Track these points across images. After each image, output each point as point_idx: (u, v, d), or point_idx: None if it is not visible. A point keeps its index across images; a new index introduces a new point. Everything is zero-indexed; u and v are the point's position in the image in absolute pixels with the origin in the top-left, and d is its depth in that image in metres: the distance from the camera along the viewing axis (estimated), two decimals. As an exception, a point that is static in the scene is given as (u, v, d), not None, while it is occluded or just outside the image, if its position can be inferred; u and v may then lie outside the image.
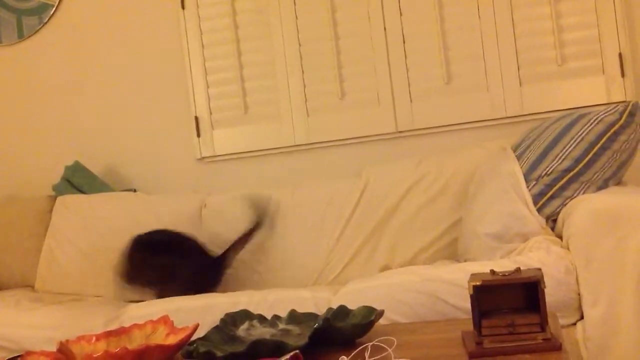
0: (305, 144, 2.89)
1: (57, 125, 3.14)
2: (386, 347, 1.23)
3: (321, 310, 1.87)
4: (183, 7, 2.96)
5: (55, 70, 3.14)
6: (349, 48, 2.84)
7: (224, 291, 2.28)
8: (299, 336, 1.49)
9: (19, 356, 1.44)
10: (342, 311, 1.57)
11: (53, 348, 1.95)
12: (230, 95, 2.94)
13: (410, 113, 2.79)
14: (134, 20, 3.06)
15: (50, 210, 2.83)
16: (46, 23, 3.14)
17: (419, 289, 1.84)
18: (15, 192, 3.15)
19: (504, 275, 1.27)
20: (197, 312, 1.99)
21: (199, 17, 2.95)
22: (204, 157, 2.98)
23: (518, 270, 1.29)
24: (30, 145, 3.16)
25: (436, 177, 2.48)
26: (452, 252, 2.36)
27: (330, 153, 2.88)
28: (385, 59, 2.80)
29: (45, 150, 3.14)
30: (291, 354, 1.17)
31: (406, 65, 2.79)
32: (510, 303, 1.31)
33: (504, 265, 1.81)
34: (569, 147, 2.00)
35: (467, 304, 1.73)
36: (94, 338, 1.56)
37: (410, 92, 2.79)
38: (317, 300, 1.95)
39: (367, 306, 1.55)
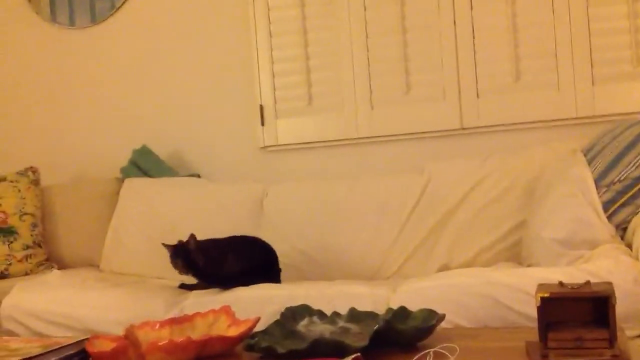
0: (368, 137, 2.88)
1: (126, 109, 3.21)
2: (448, 354, 1.21)
3: (379, 308, 1.87)
4: (253, -4, 2.98)
5: (126, 55, 3.21)
6: (416, 41, 2.80)
7: (284, 282, 2.30)
8: (358, 335, 1.49)
9: (86, 339, 1.48)
10: (402, 312, 1.56)
11: (115, 329, 2.01)
12: (295, 86, 2.95)
13: (477, 109, 2.75)
14: (204, 8, 3.09)
15: (117, 193, 2.91)
16: (119, 8, 3.20)
17: (481, 291, 1.81)
18: (85, 173, 3.24)
19: (573, 288, 1.24)
20: (256, 303, 2.01)
21: (268, 6, 2.96)
22: (266, 146, 3.00)
23: (588, 283, 1.26)
24: (100, 128, 3.25)
25: (501, 176, 2.44)
26: (515, 254, 2.32)
27: (393, 147, 2.86)
28: (454, 54, 2.76)
29: (114, 133, 3.22)
30: (353, 356, 1.17)
31: (474, 60, 2.74)
32: (578, 316, 1.28)
33: (569, 273, 1.76)
34: (644, 154, 1.94)
35: (530, 311, 1.72)
36: (157, 325, 1.60)
37: (477, 88, 2.75)
38: (375, 297, 1.94)
39: (428, 309, 1.54)
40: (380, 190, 2.60)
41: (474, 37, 2.74)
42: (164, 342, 1.38)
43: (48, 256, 2.86)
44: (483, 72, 2.74)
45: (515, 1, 2.69)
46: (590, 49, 2.62)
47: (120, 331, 1.62)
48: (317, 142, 2.94)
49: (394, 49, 2.82)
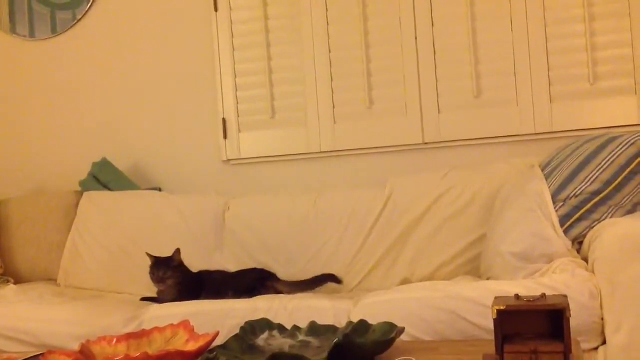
0: (331, 151, 2.89)
1: (87, 121, 3.17)
2: (406, 367, 1.22)
3: (340, 322, 1.87)
4: (216, 10, 2.98)
5: (87, 67, 3.17)
6: (378, 57, 2.83)
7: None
8: (317, 349, 1.49)
9: (40, 354, 1.45)
10: (362, 326, 1.56)
11: (73, 344, 1.98)
12: (258, 99, 2.94)
13: (438, 125, 2.78)
14: (166, 21, 3.08)
15: (76, 205, 2.86)
16: (80, 20, 3.17)
17: (440, 305, 1.83)
18: (43, 186, 3.18)
19: (529, 300, 1.25)
20: (216, 316, 1.99)
21: (231, 20, 2.96)
22: (229, 159, 2.99)
23: (543, 296, 1.27)
24: (59, 139, 3.20)
25: (461, 191, 2.46)
26: (474, 268, 2.35)
27: (356, 161, 2.87)
28: (415, 69, 2.79)
29: (74, 145, 3.17)
30: (311, 370, 1.17)
31: (436, 76, 2.78)
32: (534, 328, 1.30)
33: (527, 286, 1.79)
34: (599, 169, 1.98)
35: (488, 323, 1.74)
36: (114, 339, 1.57)
37: (438, 104, 2.78)
38: (336, 311, 1.94)
39: (387, 322, 1.55)
40: (342, 204, 2.60)
41: (434, 54, 2.77)
42: (119, 357, 1.36)
43: (4, 270, 2.79)
44: (444, 88, 2.77)
45: (476, 19, 2.74)
46: (548, 67, 2.67)
47: (76, 346, 1.59)
48: (279, 155, 2.94)
49: (357, 64, 2.84)
